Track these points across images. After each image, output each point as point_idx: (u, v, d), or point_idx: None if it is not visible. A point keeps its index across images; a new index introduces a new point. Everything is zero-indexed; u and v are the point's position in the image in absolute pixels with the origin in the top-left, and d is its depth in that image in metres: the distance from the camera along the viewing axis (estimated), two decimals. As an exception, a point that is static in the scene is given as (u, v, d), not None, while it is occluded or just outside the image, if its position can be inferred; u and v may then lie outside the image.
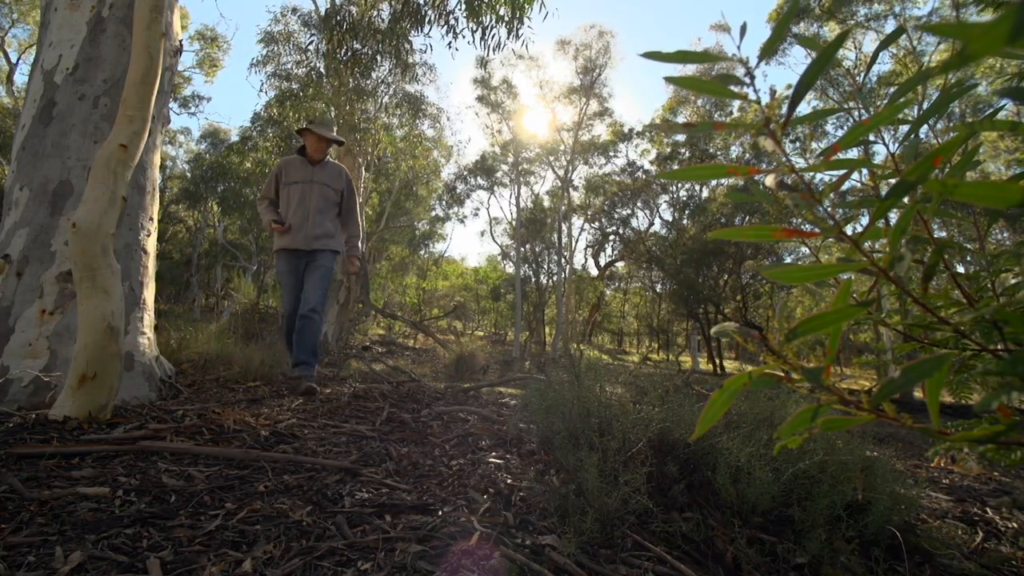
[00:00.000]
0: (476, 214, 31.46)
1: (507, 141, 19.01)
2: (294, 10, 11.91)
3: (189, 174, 21.55)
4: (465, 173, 20.52)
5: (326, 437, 1.98)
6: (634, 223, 19.48)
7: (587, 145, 19.13)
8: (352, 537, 1.17)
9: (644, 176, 18.88)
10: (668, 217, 19.83)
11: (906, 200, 0.48)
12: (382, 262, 21.85)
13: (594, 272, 22.70)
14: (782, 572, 1.20)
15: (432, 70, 12.83)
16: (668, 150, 18.22)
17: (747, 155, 16.99)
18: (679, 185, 19.09)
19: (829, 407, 0.52)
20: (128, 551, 1.05)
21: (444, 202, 21.46)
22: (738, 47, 0.49)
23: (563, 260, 19.03)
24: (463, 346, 7.42)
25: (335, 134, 3.29)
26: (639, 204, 19.33)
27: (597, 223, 19.95)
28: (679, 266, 14.66)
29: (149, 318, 2.60)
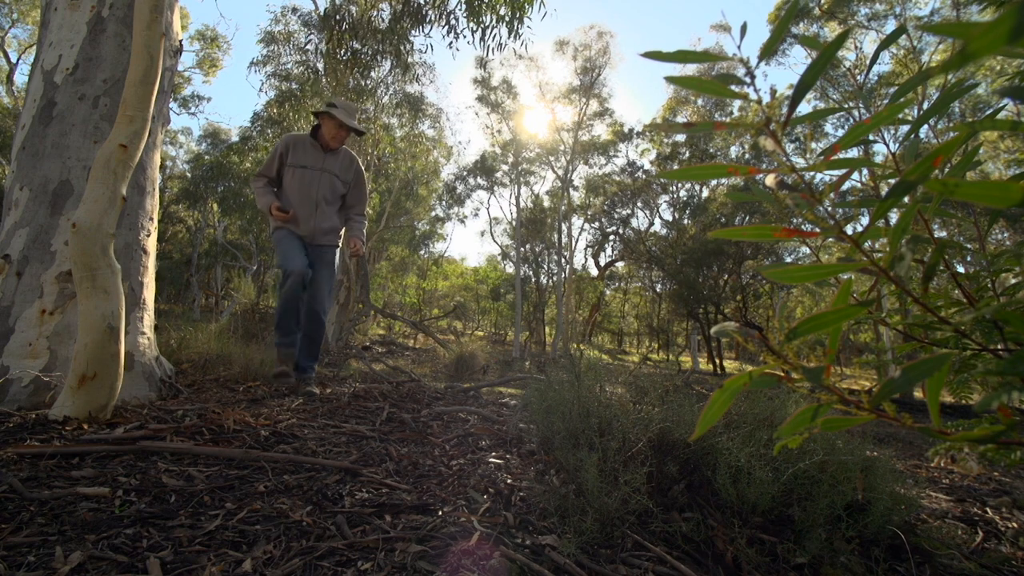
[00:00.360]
0: (476, 214, 31.53)
1: (507, 141, 19.04)
2: (294, 10, 11.92)
3: (189, 174, 21.57)
4: (465, 173, 20.55)
5: (326, 437, 1.98)
6: (634, 223, 19.51)
7: (587, 145, 19.15)
8: (352, 537, 1.17)
9: (644, 176, 18.89)
10: (668, 217, 19.84)
11: (906, 200, 0.48)
12: (382, 262, 21.85)
13: (594, 272, 22.71)
14: (782, 572, 1.20)
15: (432, 70, 12.87)
16: (668, 150, 18.23)
17: (747, 155, 16.99)
18: (679, 185, 19.10)
19: (829, 407, 0.52)
20: (128, 551, 1.05)
21: (444, 202, 21.48)
22: (738, 47, 0.49)
23: (563, 260, 19.04)
24: (463, 346, 7.43)
25: (357, 123, 2.96)
26: (639, 204, 19.34)
27: (597, 223, 19.95)
28: (679, 266, 14.66)
29: (149, 318, 2.60)
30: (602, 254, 21.56)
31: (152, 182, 2.68)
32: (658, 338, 25.24)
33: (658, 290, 21.67)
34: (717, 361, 14.43)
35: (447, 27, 7.07)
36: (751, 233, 0.52)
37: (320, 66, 10.09)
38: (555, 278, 19.69)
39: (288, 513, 1.26)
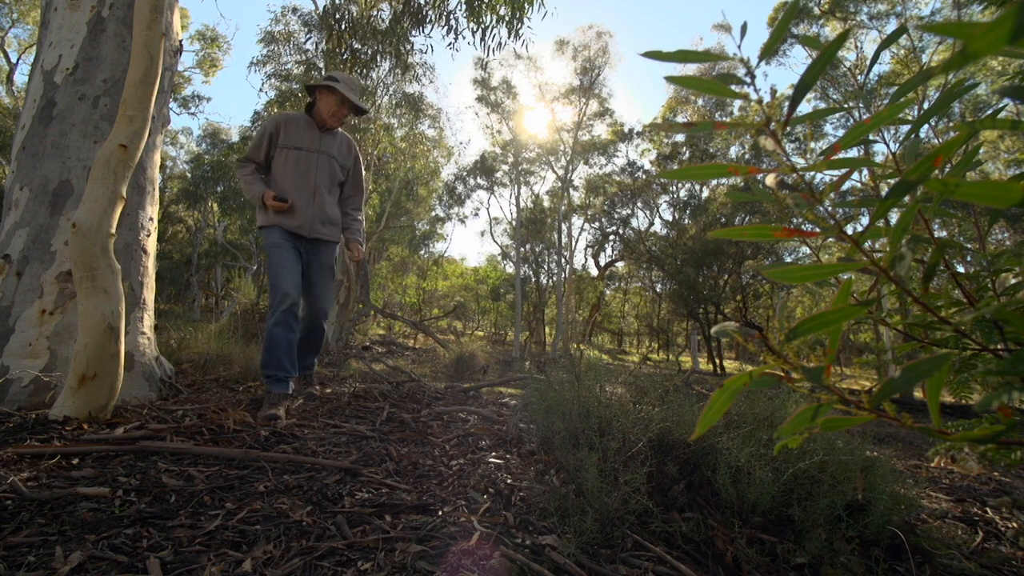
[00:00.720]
0: (476, 214, 31.52)
1: (507, 141, 19.05)
2: (294, 10, 11.93)
3: (189, 174, 21.57)
4: (465, 173, 20.56)
5: (326, 437, 1.98)
6: (634, 223, 19.51)
7: (587, 145, 19.16)
8: (352, 537, 1.17)
9: (644, 176, 18.90)
10: (668, 217, 19.85)
11: (907, 200, 0.48)
12: (382, 262, 21.86)
13: (594, 272, 22.71)
14: (782, 572, 1.20)
15: (432, 70, 12.87)
16: (668, 150, 18.23)
17: (747, 155, 17.00)
18: (679, 185, 19.11)
19: (829, 407, 0.52)
20: (128, 551, 1.05)
21: (444, 202, 21.49)
22: (739, 47, 0.49)
23: (563, 260, 19.04)
24: (463, 346, 7.43)
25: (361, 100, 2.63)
26: (639, 204, 19.35)
27: (597, 223, 19.96)
28: (679, 266, 14.66)
29: (149, 318, 2.60)
30: (602, 254, 21.58)
31: (152, 182, 2.68)
32: (658, 338, 25.25)
33: (658, 290, 21.67)
34: (717, 361, 14.43)
35: (447, 27, 7.08)
36: (751, 233, 0.52)
37: (321, 65, 10.10)
38: (555, 278, 19.70)
39: (288, 513, 1.26)
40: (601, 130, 19.58)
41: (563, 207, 18.52)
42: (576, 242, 20.43)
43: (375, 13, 8.50)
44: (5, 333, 2.14)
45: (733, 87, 0.50)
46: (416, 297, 23.82)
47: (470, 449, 1.98)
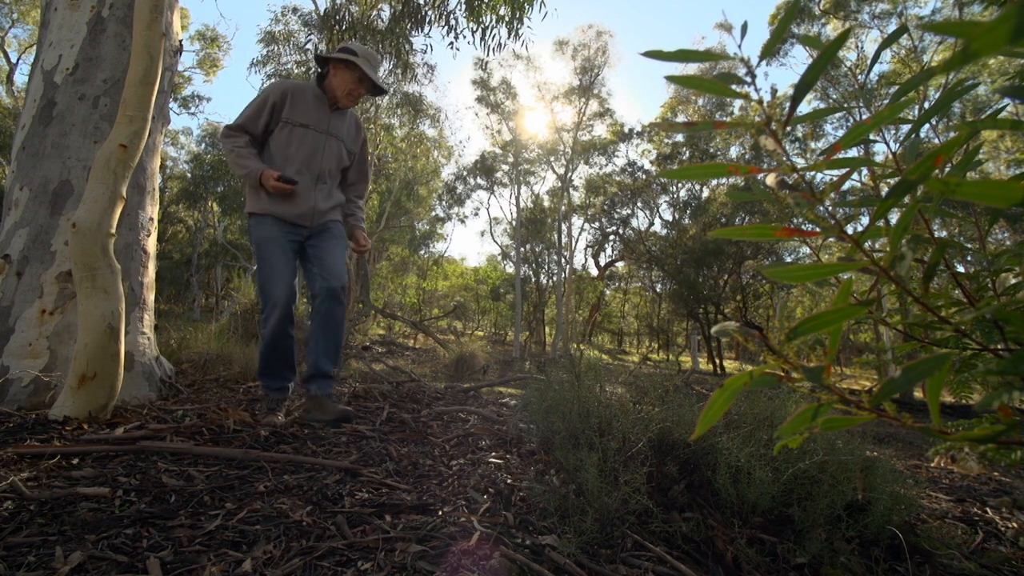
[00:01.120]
0: (476, 214, 31.53)
1: (507, 141, 19.06)
2: (294, 10, 11.94)
3: (189, 174, 21.57)
4: (465, 173, 20.57)
5: (326, 437, 1.98)
6: (634, 223, 19.51)
7: (587, 145, 19.16)
8: (352, 537, 1.17)
9: (644, 176, 18.90)
10: (668, 217, 19.85)
11: (907, 200, 0.48)
12: (382, 262, 21.86)
13: (594, 272, 22.72)
14: (782, 572, 1.20)
15: (432, 70, 12.87)
16: (668, 150, 18.23)
17: (747, 155, 17.00)
18: (679, 185, 19.11)
19: (829, 406, 0.52)
20: (128, 551, 1.05)
21: (444, 202, 21.51)
22: (739, 46, 0.49)
23: (563, 260, 19.05)
24: (463, 346, 7.43)
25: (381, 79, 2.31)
26: (639, 204, 19.35)
27: (597, 223, 19.96)
28: (679, 266, 14.66)
29: (149, 318, 2.60)
30: (602, 254, 21.58)
31: (152, 182, 2.68)
32: (658, 338, 25.25)
33: (658, 290, 21.67)
34: (717, 361, 14.43)
35: (447, 27, 7.08)
36: (751, 233, 0.51)
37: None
38: (555, 278, 19.70)
39: (288, 513, 1.26)
40: (601, 130, 19.60)
41: (563, 207, 18.53)
42: (576, 242, 20.45)
43: (375, 13, 8.50)
44: (5, 333, 2.14)
45: (734, 87, 0.50)
46: (416, 297, 23.82)
47: (470, 449, 1.98)
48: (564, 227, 18.90)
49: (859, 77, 13.49)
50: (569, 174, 18.21)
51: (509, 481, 1.61)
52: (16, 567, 0.97)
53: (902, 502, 1.35)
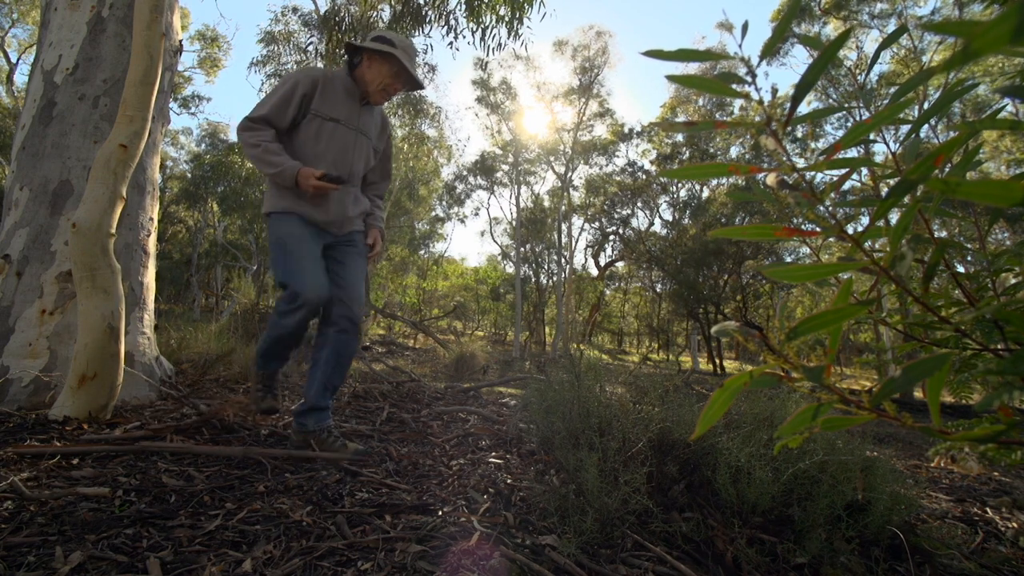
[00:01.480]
0: (476, 214, 31.50)
1: (507, 141, 19.05)
2: (294, 10, 11.94)
3: (189, 174, 21.57)
4: (465, 173, 20.56)
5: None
6: (634, 223, 19.51)
7: (587, 145, 19.15)
8: (352, 537, 1.17)
9: (644, 176, 18.90)
10: (668, 217, 19.85)
11: (907, 199, 0.48)
12: (382, 262, 21.86)
13: (594, 272, 22.71)
14: (782, 572, 1.20)
15: (433, 70, 12.87)
16: (668, 150, 18.22)
17: (747, 155, 17.00)
18: (679, 185, 19.12)
19: (830, 406, 0.52)
20: (128, 551, 1.05)
21: (444, 202, 21.50)
22: (739, 46, 0.49)
23: (563, 260, 19.04)
24: (463, 346, 7.43)
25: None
26: (639, 204, 19.35)
27: (597, 223, 19.96)
28: (679, 266, 14.66)
29: (149, 318, 2.60)
30: (602, 254, 21.58)
31: (152, 182, 2.68)
32: (658, 338, 25.24)
33: (658, 290, 21.67)
34: (717, 361, 14.43)
35: (447, 27, 7.08)
36: (751, 232, 0.51)
37: (321, 65, 10.12)
38: (555, 278, 19.70)
39: (288, 513, 1.26)
40: (601, 130, 19.58)
41: (563, 207, 18.53)
42: (576, 242, 20.44)
43: (375, 13, 8.50)
44: (5, 333, 2.14)
45: (734, 86, 0.50)
46: (416, 297, 23.82)
47: (470, 449, 1.98)
48: (564, 227, 18.91)
49: (859, 77, 13.49)
50: (569, 174, 18.21)
51: (509, 481, 1.60)
52: (16, 567, 0.97)
53: (902, 502, 1.35)
